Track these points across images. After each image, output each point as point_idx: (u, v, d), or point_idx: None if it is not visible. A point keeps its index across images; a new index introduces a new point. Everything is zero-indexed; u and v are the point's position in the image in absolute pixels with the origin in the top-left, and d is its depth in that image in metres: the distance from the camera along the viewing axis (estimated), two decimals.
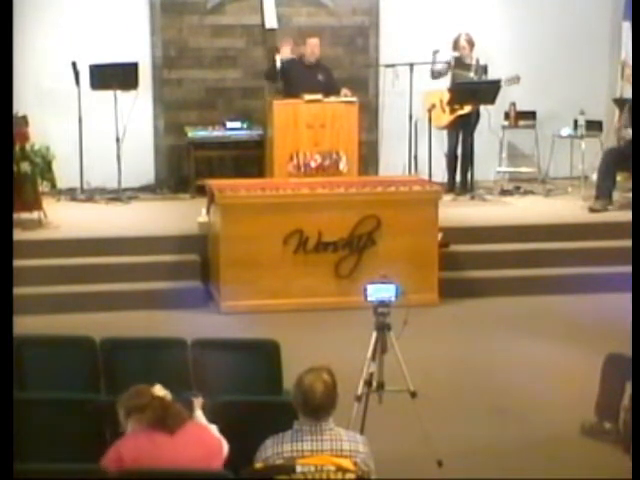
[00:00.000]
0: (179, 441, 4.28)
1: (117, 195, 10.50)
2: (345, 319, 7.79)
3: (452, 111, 10.74)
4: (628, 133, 9.83)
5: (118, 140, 10.46)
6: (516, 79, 10.51)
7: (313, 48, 10.59)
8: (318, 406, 4.19)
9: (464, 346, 7.64)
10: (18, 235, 8.50)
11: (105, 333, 5.79)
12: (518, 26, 11.45)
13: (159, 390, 4.42)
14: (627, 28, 11.29)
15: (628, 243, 7.29)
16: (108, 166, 10.46)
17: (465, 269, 9.06)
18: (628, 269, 7.12)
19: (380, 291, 5.48)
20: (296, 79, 10.43)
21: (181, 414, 4.37)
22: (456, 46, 10.80)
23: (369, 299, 5.50)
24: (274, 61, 10.54)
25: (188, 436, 4.31)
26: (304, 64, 10.59)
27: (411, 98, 10.54)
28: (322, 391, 4.19)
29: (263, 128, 10.71)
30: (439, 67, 10.76)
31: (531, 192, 11.04)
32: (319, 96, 10.18)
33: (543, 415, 6.31)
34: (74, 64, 10.43)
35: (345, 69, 11.08)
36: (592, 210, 9.98)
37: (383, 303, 5.49)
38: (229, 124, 10.94)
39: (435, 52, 10.67)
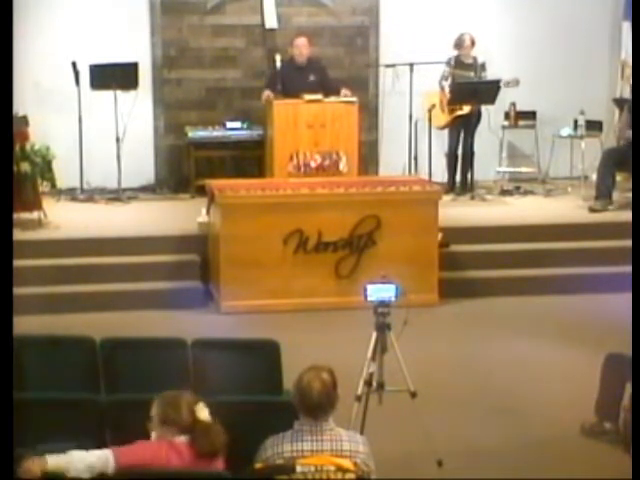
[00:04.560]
0: None
1: (117, 195, 10.50)
2: (345, 319, 7.79)
3: (451, 111, 10.74)
4: (629, 135, 9.80)
5: (118, 140, 10.45)
6: (515, 82, 10.50)
7: (301, 48, 10.48)
8: (316, 404, 4.19)
9: (464, 346, 7.64)
10: (18, 235, 8.50)
11: (105, 333, 5.78)
12: (518, 26, 11.44)
13: (201, 410, 4.23)
14: (627, 28, 11.29)
15: (628, 243, 7.29)
16: (108, 166, 10.46)
17: (465, 269, 9.06)
18: (628, 269, 7.12)
19: (380, 291, 5.48)
20: (288, 82, 10.38)
21: (219, 442, 4.22)
22: (459, 45, 10.77)
23: (369, 299, 5.50)
24: (274, 69, 10.50)
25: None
26: (295, 66, 10.52)
27: (411, 98, 10.55)
28: (320, 389, 4.19)
29: (263, 128, 10.69)
30: (444, 72, 10.75)
31: (531, 192, 11.04)
32: (319, 96, 10.16)
33: (543, 415, 6.31)
34: (74, 64, 10.43)
35: (345, 69, 11.08)
36: (592, 210, 9.98)
37: (383, 303, 5.50)
38: (229, 124, 10.94)
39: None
